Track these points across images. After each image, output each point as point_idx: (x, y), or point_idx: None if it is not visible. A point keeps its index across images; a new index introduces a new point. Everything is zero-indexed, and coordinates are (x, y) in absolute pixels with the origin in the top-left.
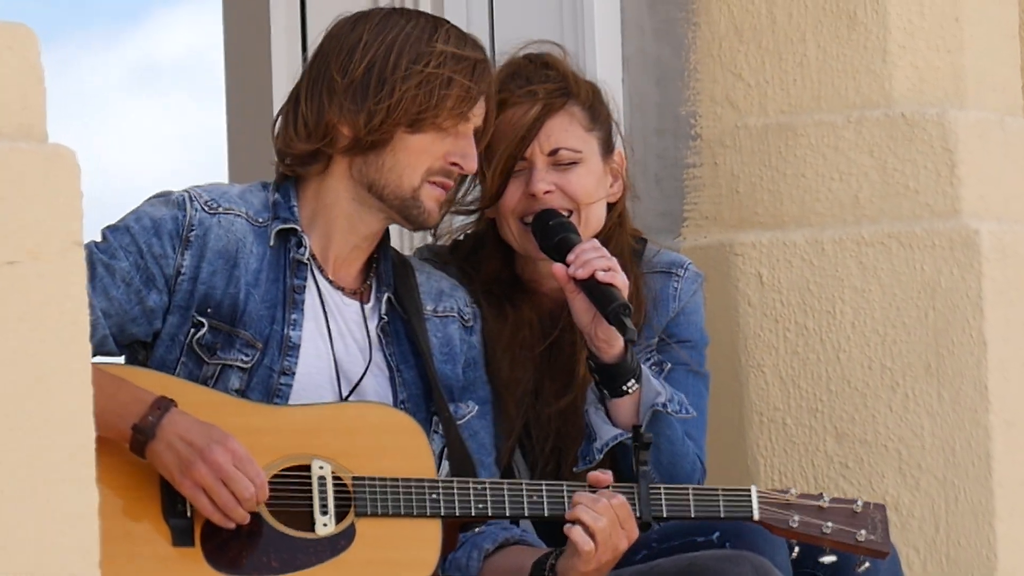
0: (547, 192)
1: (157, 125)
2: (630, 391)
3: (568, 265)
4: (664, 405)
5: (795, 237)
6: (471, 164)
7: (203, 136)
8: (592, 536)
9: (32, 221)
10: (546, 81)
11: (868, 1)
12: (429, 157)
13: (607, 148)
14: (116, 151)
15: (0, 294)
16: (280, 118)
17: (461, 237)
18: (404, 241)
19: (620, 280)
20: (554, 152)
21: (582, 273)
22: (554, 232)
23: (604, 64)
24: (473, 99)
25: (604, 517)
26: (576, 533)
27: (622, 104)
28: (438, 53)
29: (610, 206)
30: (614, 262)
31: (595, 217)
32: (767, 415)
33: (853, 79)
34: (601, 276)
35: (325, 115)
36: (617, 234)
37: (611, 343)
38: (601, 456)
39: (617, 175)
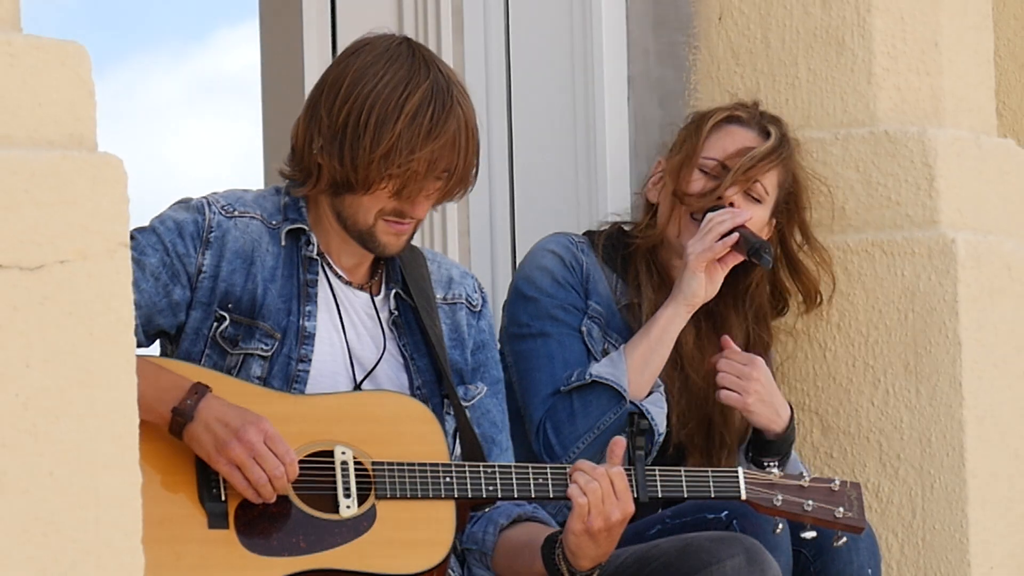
0: (731, 204)
1: (216, 137)
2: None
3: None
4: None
5: None
6: (419, 212)
7: (253, 148)
8: (585, 494)
9: (82, 223)
10: (779, 131)
11: (855, 28)
12: (380, 203)
13: (773, 214)
14: (179, 162)
15: (52, 290)
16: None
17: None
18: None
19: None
20: (754, 180)
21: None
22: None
23: (611, 84)
24: (427, 180)
25: (598, 482)
26: (572, 488)
27: (627, 121)
28: (403, 118)
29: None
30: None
31: None
32: None
33: (840, 99)
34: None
35: (312, 151)
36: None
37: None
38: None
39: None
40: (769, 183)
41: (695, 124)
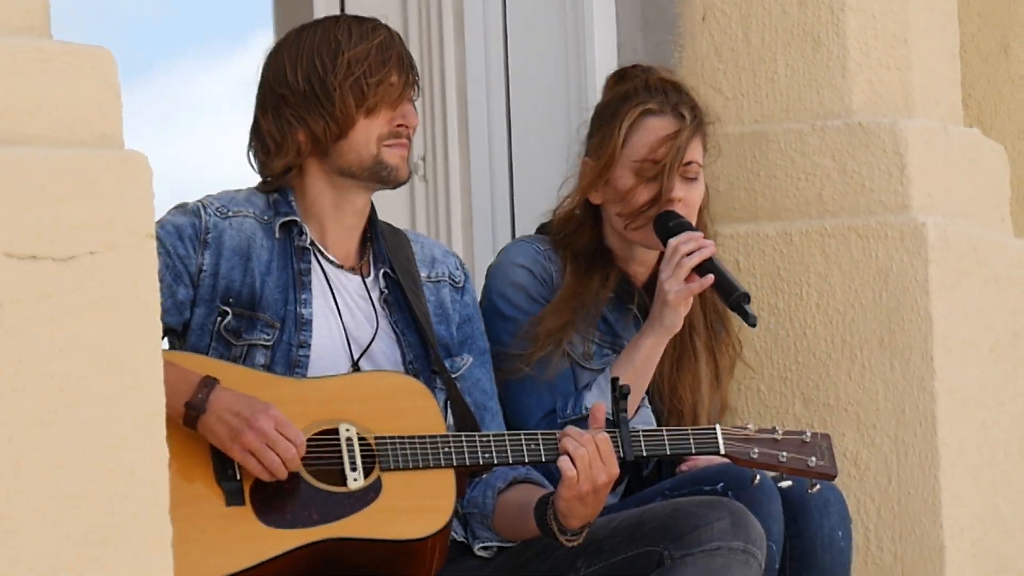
0: (679, 200)
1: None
2: None
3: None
4: None
5: (767, 229)
6: (412, 120)
7: None
8: (574, 463)
9: (110, 217)
10: (688, 105)
11: (829, 26)
12: (377, 128)
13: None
14: (222, 157)
15: (83, 280)
16: (250, 152)
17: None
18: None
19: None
20: (688, 164)
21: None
22: (678, 228)
23: (602, 82)
24: (397, 80)
25: (585, 448)
26: (562, 460)
27: None
28: (353, 53)
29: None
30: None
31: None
32: (744, 383)
33: (817, 93)
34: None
35: (286, 128)
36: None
37: None
38: None
39: None
40: (697, 156)
41: (609, 126)
